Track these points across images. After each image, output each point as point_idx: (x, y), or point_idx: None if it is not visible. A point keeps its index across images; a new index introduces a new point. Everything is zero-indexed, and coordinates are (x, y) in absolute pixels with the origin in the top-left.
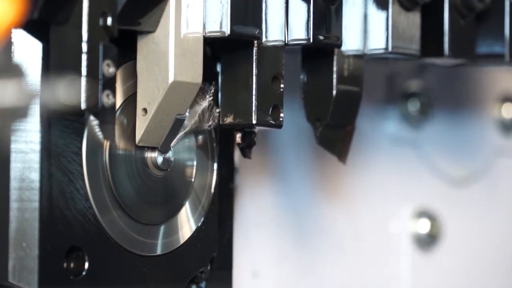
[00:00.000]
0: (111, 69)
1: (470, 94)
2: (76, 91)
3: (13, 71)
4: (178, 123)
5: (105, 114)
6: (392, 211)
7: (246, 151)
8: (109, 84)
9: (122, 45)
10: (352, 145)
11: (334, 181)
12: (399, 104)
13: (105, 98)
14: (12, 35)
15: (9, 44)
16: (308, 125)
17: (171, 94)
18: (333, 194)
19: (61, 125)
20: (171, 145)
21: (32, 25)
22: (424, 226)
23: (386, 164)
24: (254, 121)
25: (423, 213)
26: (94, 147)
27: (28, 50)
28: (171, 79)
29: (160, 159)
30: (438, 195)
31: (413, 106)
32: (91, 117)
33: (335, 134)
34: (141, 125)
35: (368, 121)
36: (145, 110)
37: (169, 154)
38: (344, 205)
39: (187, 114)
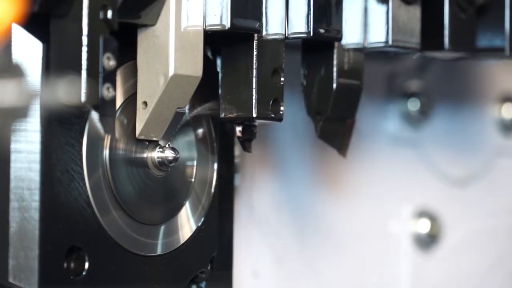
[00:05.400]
0: (112, 62)
1: (470, 94)
2: (76, 91)
3: (13, 71)
4: (178, 117)
5: (105, 107)
6: (392, 211)
7: (246, 144)
8: (110, 77)
9: (122, 45)
10: (352, 145)
11: (334, 180)
12: (399, 103)
13: (105, 91)
14: (13, 35)
15: (9, 43)
16: (308, 118)
17: (171, 88)
18: (333, 194)
19: (61, 125)
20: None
21: (32, 21)
22: (424, 226)
23: (386, 164)
24: (254, 115)
25: (423, 213)
26: (94, 147)
27: (28, 50)
28: (171, 72)
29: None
30: (438, 195)
31: (413, 106)
32: (91, 117)
33: (335, 127)
34: (142, 118)
35: (368, 121)
36: (145, 103)
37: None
38: (344, 205)
39: (187, 108)
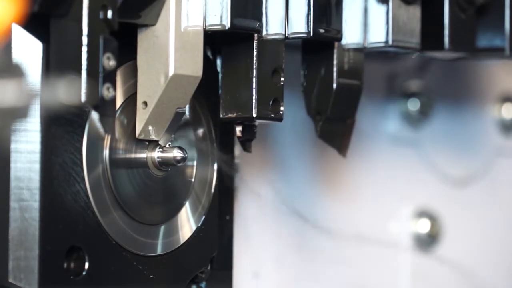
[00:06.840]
0: (112, 62)
1: (470, 94)
2: (76, 91)
3: (13, 71)
4: (178, 117)
5: (105, 107)
6: (392, 211)
7: (246, 144)
8: (110, 77)
9: (122, 45)
10: (352, 145)
11: (334, 181)
12: (399, 103)
13: (105, 91)
14: (13, 35)
15: (9, 43)
16: (308, 118)
17: (171, 88)
18: (333, 194)
19: (61, 125)
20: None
21: (32, 21)
22: (424, 226)
23: (386, 164)
24: (254, 115)
25: (423, 213)
26: (95, 147)
27: (28, 50)
28: (171, 72)
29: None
30: (438, 195)
31: (413, 106)
32: (91, 117)
33: (335, 127)
34: (141, 118)
35: (368, 120)
36: (145, 103)
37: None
38: (344, 205)
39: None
